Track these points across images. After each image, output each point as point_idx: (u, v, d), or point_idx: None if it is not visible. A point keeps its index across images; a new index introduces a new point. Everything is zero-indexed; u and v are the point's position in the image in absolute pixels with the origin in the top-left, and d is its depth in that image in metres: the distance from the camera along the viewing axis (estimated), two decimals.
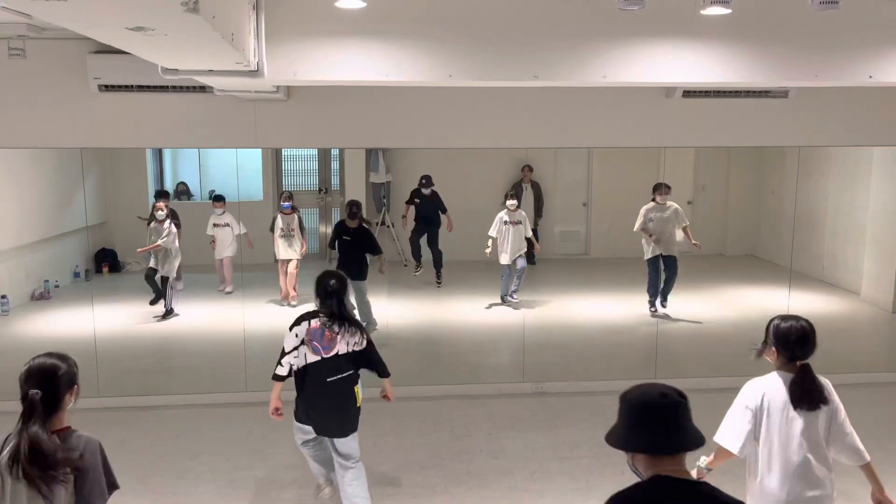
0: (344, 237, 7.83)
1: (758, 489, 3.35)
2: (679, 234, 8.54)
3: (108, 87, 6.13)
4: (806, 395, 3.21)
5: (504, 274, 8.90)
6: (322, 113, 6.44)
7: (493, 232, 8.76)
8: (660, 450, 2.21)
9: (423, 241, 9.07)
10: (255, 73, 4.46)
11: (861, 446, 3.33)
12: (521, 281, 8.85)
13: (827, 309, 9.32)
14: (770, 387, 3.29)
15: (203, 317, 8.96)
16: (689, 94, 6.56)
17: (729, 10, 4.20)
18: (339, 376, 4.38)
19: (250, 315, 7.50)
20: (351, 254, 7.79)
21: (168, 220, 8.40)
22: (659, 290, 8.62)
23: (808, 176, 9.66)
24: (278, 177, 10.19)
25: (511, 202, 8.73)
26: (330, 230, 9.85)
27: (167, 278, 8.45)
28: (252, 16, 4.30)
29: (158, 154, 10.23)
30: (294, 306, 8.71)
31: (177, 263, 8.52)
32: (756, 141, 7.03)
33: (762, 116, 6.76)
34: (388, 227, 9.49)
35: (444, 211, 8.93)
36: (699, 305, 8.97)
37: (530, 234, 8.84)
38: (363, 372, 4.62)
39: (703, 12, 4.29)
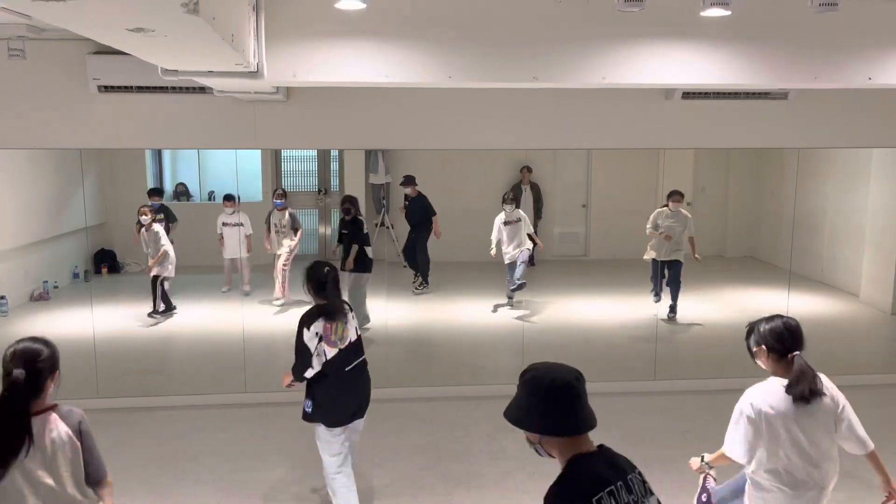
0: (343, 231, 8.09)
1: (764, 490, 3.35)
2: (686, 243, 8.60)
3: (107, 88, 6.13)
4: (806, 386, 3.22)
5: (509, 274, 8.91)
6: (321, 114, 6.44)
7: (494, 236, 8.80)
8: (582, 430, 2.26)
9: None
10: (255, 74, 4.46)
11: (865, 435, 3.36)
12: (523, 268, 8.78)
13: (826, 310, 9.32)
14: (769, 393, 3.30)
15: (202, 317, 8.95)
16: (688, 95, 6.56)
17: (728, 12, 4.20)
18: (354, 364, 4.54)
19: (250, 316, 7.50)
20: (348, 247, 7.96)
21: (154, 224, 8.36)
22: (660, 287, 8.64)
23: (807, 178, 9.65)
24: (277, 178, 10.18)
25: (507, 206, 8.75)
26: (329, 231, 9.90)
27: (158, 277, 8.42)
28: (252, 17, 4.30)
29: (158, 155, 10.22)
30: (280, 306, 8.75)
31: (168, 263, 8.43)
32: (755, 142, 7.05)
33: (761, 118, 6.77)
34: (388, 227, 9.49)
35: (433, 214, 8.88)
36: (699, 307, 8.96)
37: (531, 230, 8.84)
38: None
39: (702, 14, 4.29)
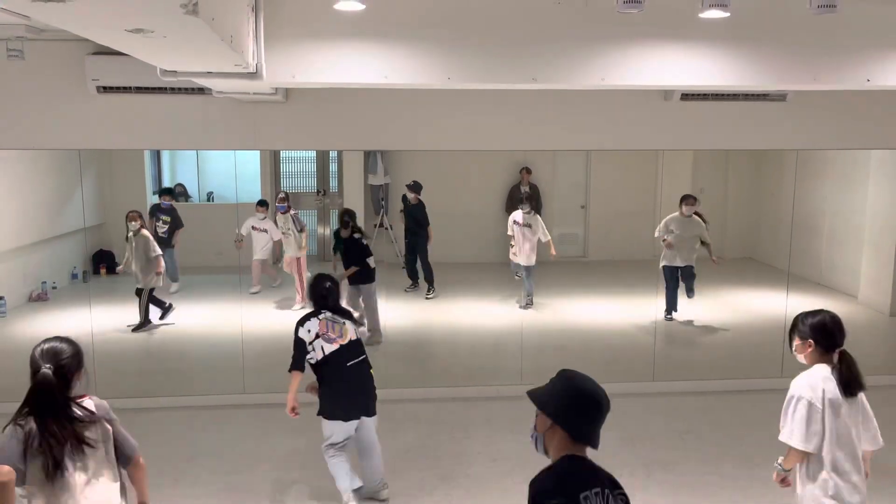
0: (341, 246, 8.01)
1: (818, 480, 3.37)
2: (699, 245, 8.56)
3: (106, 89, 6.13)
4: (854, 379, 3.33)
5: (522, 274, 8.92)
6: (320, 115, 6.44)
7: (509, 231, 8.81)
8: (589, 441, 2.36)
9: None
10: (254, 75, 4.45)
11: (878, 432, 3.48)
12: (530, 283, 8.86)
13: None
14: (823, 379, 3.35)
15: (200, 318, 8.95)
16: (687, 97, 6.57)
17: (727, 14, 4.20)
18: (357, 360, 4.74)
19: (248, 317, 7.50)
20: (348, 261, 7.87)
21: (143, 230, 8.23)
22: (674, 301, 8.61)
23: (806, 179, 9.65)
24: (276, 179, 10.18)
25: (523, 206, 8.78)
26: (328, 232, 9.90)
27: (142, 290, 8.26)
28: (251, 18, 4.30)
29: (157, 155, 10.22)
30: (299, 310, 8.75)
31: (152, 275, 8.22)
32: (754, 144, 7.05)
33: (760, 119, 6.77)
34: (387, 229, 9.49)
35: (426, 224, 8.90)
36: (697, 308, 8.96)
37: (547, 237, 8.84)
38: None
39: (701, 15, 4.29)
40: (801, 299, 8.59)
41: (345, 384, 4.68)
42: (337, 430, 4.75)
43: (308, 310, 4.87)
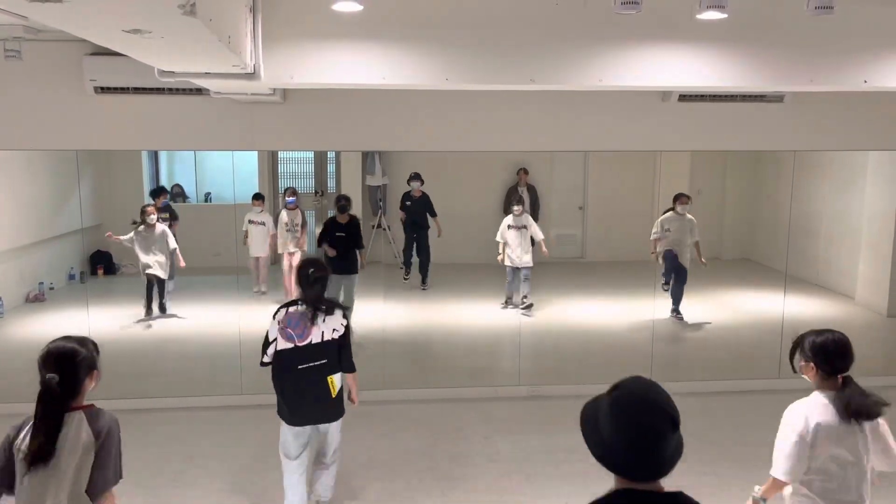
0: (337, 233, 7.79)
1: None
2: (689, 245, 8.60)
3: (104, 89, 6.12)
4: (863, 407, 3.10)
5: (509, 277, 8.89)
6: (318, 115, 6.44)
7: (498, 237, 8.78)
8: (643, 478, 1.91)
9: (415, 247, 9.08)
10: (252, 75, 4.46)
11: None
12: (527, 285, 8.83)
13: (822, 313, 9.33)
14: (814, 409, 3.18)
15: (198, 319, 8.93)
16: (684, 97, 6.58)
17: (725, 15, 4.22)
18: (310, 364, 4.35)
19: (246, 317, 7.48)
20: (343, 248, 7.78)
21: (159, 223, 8.28)
22: (671, 280, 8.64)
23: (803, 180, 9.67)
24: (274, 179, 10.18)
25: (516, 208, 8.76)
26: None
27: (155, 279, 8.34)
28: (249, 18, 4.30)
29: (154, 156, 10.21)
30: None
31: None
32: (752, 145, 7.06)
33: (758, 121, 6.78)
34: (385, 229, 9.48)
35: (434, 214, 8.86)
36: (695, 309, 8.96)
37: (540, 237, 8.80)
38: None
39: (698, 17, 4.30)
40: (798, 300, 8.61)
41: (289, 387, 4.37)
42: (286, 434, 4.48)
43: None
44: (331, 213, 8.45)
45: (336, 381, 4.46)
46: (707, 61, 4.87)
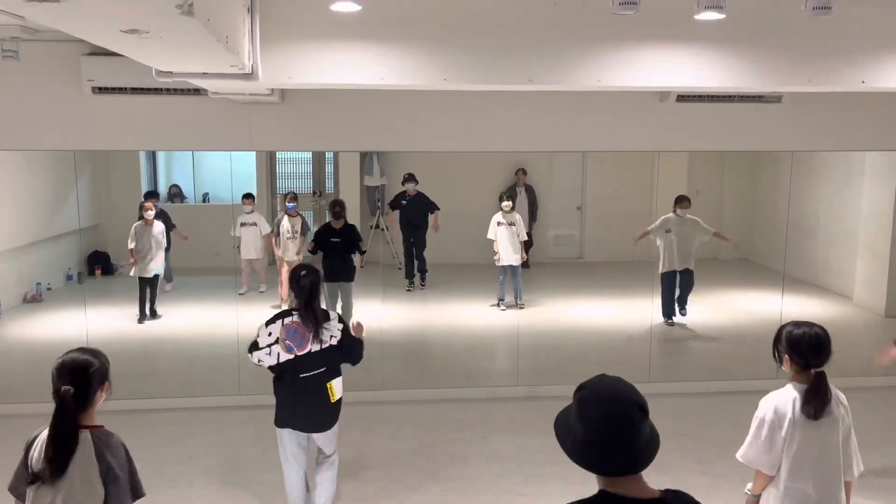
0: (332, 239, 7.69)
1: (779, 498, 3.27)
2: (697, 245, 8.54)
3: (101, 90, 6.12)
4: (815, 403, 3.13)
5: (500, 277, 8.87)
6: (316, 116, 6.44)
7: (490, 235, 8.75)
8: (622, 471, 1.88)
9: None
10: (250, 75, 4.45)
11: (854, 462, 3.28)
12: (518, 285, 8.83)
13: (820, 313, 9.34)
14: (782, 399, 3.22)
15: (196, 319, 8.93)
16: (683, 98, 6.58)
17: (723, 15, 4.22)
18: (312, 373, 4.37)
19: (244, 317, 7.47)
20: (338, 254, 7.70)
21: (155, 221, 8.27)
22: (673, 305, 8.60)
23: (801, 180, 9.68)
24: (272, 179, 10.16)
25: (506, 203, 8.70)
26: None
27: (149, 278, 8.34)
28: (246, 18, 4.29)
29: (152, 156, 10.20)
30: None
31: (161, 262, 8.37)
32: (750, 145, 7.07)
33: (756, 121, 6.79)
34: (383, 230, 9.48)
35: (435, 209, 8.76)
36: (694, 309, 8.97)
37: (524, 237, 8.79)
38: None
39: (697, 17, 4.30)
40: (796, 301, 8.61)
41: (293, 396, 4.41)
42: (284, 438, 4.49)
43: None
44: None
45: (336, 387, 4.47)
46: (705, 62, 4.87)
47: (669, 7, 4.69)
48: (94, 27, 3.09)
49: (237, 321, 7.22)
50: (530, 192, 9.74)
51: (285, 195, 9.02)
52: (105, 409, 3.07)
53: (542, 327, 8.71)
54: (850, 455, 3.26)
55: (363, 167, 9.57)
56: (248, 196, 8.99)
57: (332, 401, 4.46)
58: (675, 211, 8.53)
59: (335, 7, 4.30)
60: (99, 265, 9.47)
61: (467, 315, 9.11)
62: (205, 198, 10.57)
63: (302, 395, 4.40)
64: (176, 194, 10.38)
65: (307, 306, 4.35)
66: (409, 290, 9.21)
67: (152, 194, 9.14)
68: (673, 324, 8.63)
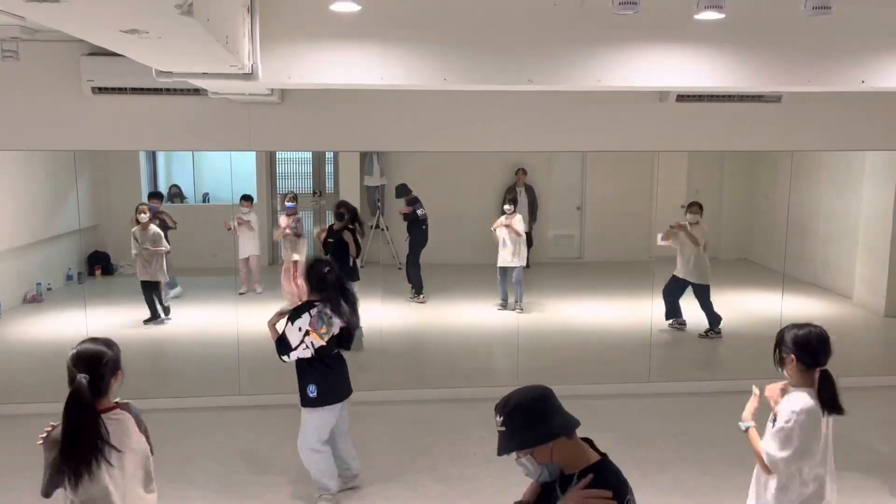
0: (329, 239, 7.78)
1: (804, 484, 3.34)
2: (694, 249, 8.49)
3: (101, 90, 6.11)
4: (836, 399, 3.20)
5: (499, 278, 8.87)
6: (316, 116, 6.44)
7: (494, 225, 8.70)
8: (576, 424, 2.34)
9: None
10: (250, 75, 4.45)
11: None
12: (520, 288, 8.82)
13: (820, 313, 9.34)
14: (805, 401, 3.24)
15: (196, 319, 8.93)
16: (682, 98, 6.58)
17: (722, 15, 4.22)
18: (340, 349, 4.96)
19: (244, 317, 7.48)
20: (333, 256, 7.63)
21: (151, 224, 8.25)
22: (675, 309, 8.54)
23: (800, 180, 9.69)
24: (272, 179, 10.17)
25: (507, 206, 8.72)
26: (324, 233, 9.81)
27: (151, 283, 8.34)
28: (246, 18, 4.29)
29: (152, 157, 10.20)
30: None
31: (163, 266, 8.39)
32: (749, 145, 7.07)
33: (755, 121, 6.79)
34: (383, 230, 9.48)
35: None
36: (693, 309, 8.97)
37: (521, 235, 8.73)
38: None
39: (696, 17, 4.31)
40: (796, 300, 8.62)
41: (330, 370, 4.88)
42: (328, 416, 4.86)
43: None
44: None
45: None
46: (705, 61, 4.87)
47: (669, 7, 4.69)
48: (94, 27, 3.09)
49: (237, 321, 7.23)
50: (530, 192, 9.74)
51: (285, 195, 9.04)
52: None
53: (542, 327, 8.71)
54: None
55: (363, 167, 9.57)
56: (246, 198, 9.02)
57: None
58: (686, 217, 8.41)
59: (335, 7, 4.29)
60: (99, 265, 9.48)
61: (467, 315, 9.11)
62: (205, 198, 10.58)
63: (338, 367, 4.93)
64: (176, 194, 10.39)
65: (340, 297, 4.82)
66: (411, 299, 9.20)
67: (155, 195, 9.15)
68: (681, 326, 8.58)
